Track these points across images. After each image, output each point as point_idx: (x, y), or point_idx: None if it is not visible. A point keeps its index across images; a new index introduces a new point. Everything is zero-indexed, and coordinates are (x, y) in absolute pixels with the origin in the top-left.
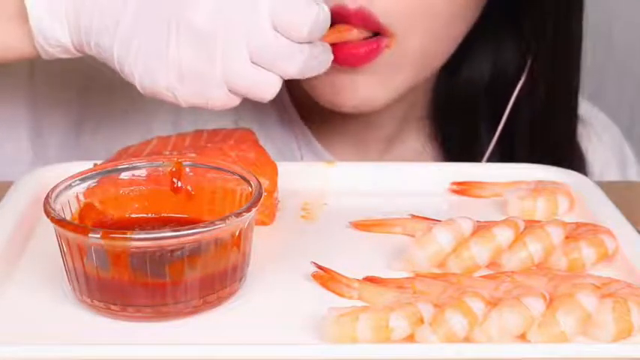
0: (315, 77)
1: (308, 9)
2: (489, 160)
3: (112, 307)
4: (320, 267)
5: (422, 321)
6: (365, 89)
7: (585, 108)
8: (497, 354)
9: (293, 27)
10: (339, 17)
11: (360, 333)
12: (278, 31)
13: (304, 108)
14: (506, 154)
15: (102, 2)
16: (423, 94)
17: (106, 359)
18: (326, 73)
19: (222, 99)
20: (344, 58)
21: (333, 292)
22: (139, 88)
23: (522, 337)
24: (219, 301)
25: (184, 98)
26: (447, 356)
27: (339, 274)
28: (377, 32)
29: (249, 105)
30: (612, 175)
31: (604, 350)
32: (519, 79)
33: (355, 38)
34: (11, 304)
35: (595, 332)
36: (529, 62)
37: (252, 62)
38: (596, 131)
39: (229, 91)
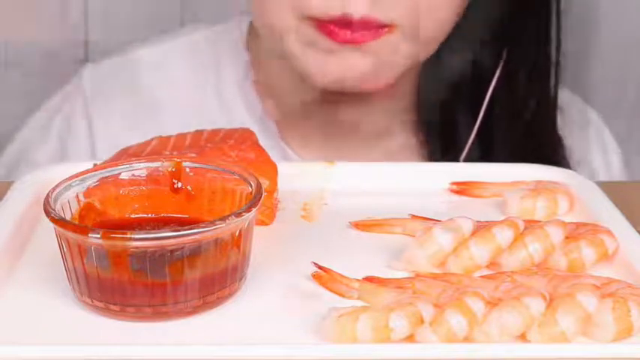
0: (308, 56)
1: None
2: (469, 154)
3: (112, 307)
4: (320, 267)
5: (422, 321)
6: (362, 68)
7: (564, 96)
8: (498, 354)
9: None
10: (342, 25)
11: (360, 333)
12: None
13: (280, 110)
14: (484, 148)
15: None
16: (407, 85)
17: (106, 359)
18: (317, 52)
19: None
20: (344, 38)
21: (333, 292)
22: None
23: (522, 337)
24: (219, 301)
25: None
26: (447, 356)
27: (339, 274)
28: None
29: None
30: (595, 162)
31: (604, 350)
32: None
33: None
34: (11, 304)
35: (595, 332)
36: (505, 53)
37: None
38: (575, 119)
39: None
